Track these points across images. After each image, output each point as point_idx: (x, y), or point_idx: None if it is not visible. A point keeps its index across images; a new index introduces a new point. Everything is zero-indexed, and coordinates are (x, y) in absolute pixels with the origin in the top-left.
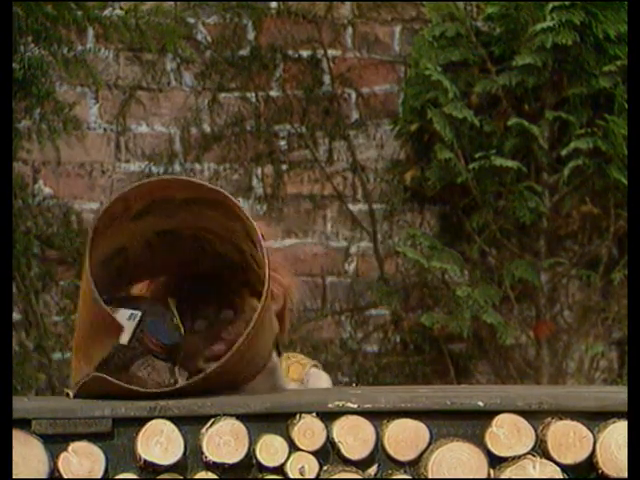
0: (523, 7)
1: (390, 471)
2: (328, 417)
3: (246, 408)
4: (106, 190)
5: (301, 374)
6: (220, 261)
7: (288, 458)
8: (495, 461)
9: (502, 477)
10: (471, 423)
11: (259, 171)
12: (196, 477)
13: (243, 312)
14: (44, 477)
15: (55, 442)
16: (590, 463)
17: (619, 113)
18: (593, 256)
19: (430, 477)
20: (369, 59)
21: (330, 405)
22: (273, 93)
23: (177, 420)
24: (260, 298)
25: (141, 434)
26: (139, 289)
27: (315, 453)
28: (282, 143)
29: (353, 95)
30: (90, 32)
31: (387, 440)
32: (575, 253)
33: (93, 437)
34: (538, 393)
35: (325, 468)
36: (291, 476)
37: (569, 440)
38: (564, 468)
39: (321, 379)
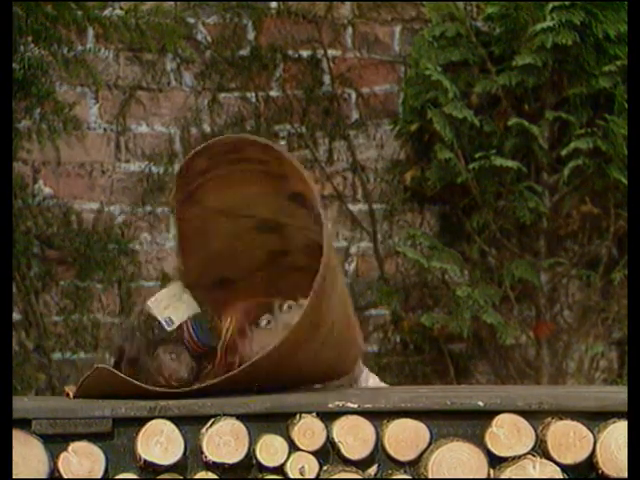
0: (523, 7)
1: (390, 471)
2: (328, 417)
3: (246, 408)
4: (106, 190)
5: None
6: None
7: (288, 458)
8: (495, 461)
9: (502, 477)
10: (471, 423)
11: None
12: (196, 477)
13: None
14: (44, 477)
15: (55, 442)
16: (590, 463)
17: (619, 113)
18: (593, 256)
19: (430, 477)
20: (369, 59)
21: (330, 405)
22: (273, 93)
23: (177, 420)
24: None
25: (141, 434)
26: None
27: (315, 453)
28: (282, 143)
29: (353, 95)
30: (90, 32)
31: (387, 440)
32: (575, 253)
33: (93, 437)
34: (538, 393)
35: (325, 468)
36: (291, 476)
37: (569, 440)
38: (564, 468)
39: (374, 380)
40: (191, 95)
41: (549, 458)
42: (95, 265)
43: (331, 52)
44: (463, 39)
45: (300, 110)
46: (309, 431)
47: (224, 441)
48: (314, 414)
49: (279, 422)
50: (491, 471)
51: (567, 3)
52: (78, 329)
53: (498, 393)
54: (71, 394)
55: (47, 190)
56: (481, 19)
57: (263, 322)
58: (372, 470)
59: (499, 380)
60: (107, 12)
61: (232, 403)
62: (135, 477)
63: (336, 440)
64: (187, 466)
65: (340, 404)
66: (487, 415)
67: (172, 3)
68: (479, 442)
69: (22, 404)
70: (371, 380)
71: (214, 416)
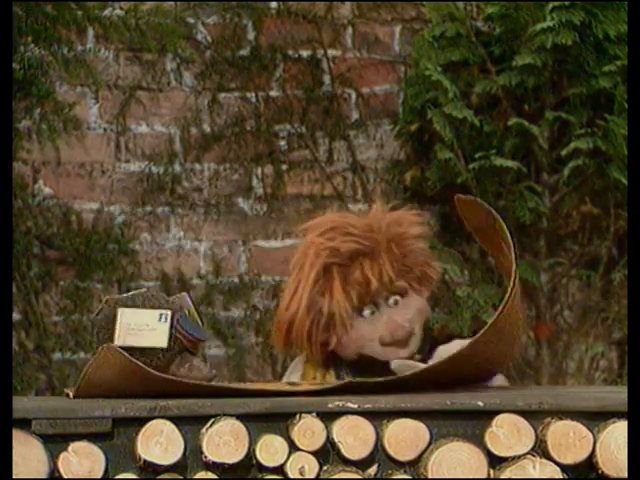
0: (523, 7)
1: (390, 471)
2: (328, 417)
3: (246, 408)
4: (106, 190)
5: None
6: None
7: (288, 458)
8: (495, 461)
9: (502, 477)
10: (471, 423)
11: (259, 171)
12: (196, 477)
13: (410, 297)
14: (44, 477)
15: (55, 442)
16: (590, 463)
17: (619, 113)
18: (593, 256)
19: (430, 477)
20: (369, 59)
21: (330, 405)
22: (273, 93)
23: (177, 420)
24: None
25: (141, 434)
26: None
27: (315, 453)
28: (282, 143)
29: (353, 95)
30: (90, 32)
31: (387, 440)
32: (575, 253)
33: (93, 437)
34: (538, 393)
35: (325, 468)
36: (291, 476)
37: (569, 440)
38: (564, 468)
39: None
40: (191, 95)
41: (549, 458)
42: (95, 265)
43: (331, 52)
44: (463, 39)
45: (300, 110)
46: (309, 431)
47: (224, 441)
48: (314, 414)
49: (279, 422)
50: (491, 471)
51: (567, 3)
52: (78, 329)
53: (498, 393)
54: (71, 394)
55: (47, 190)
56: (481, 19)
57: (366, 311)
58: (372, 470)
59: None
60: (107, 12)
61: (232, 403)
62: (135, 477)
63: (336, 440)
64: (187, 466)
65: (340, 404)
66: (487, 415)
67: (172, 3)
68: (479, 442)
69: (22, 404)
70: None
71: (214, 416)
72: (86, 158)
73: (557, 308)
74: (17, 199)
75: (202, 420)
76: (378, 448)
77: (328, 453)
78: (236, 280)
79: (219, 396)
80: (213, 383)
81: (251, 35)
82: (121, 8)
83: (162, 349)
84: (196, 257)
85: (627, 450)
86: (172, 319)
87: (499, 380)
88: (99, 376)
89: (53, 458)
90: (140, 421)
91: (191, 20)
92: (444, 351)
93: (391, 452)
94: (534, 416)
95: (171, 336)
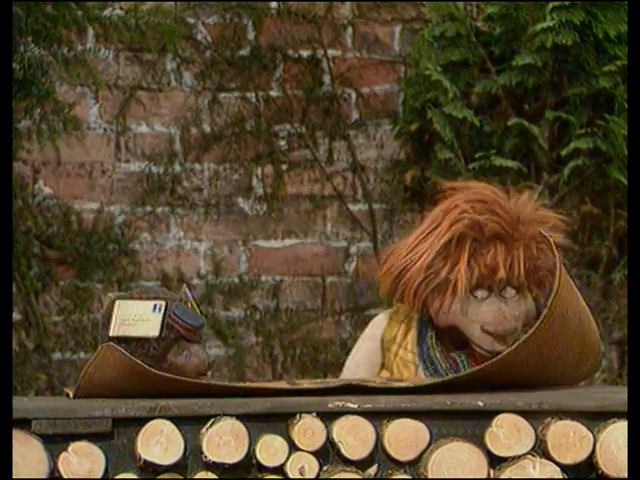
0: (523, 7)
1: (390, 471)
2: (328, 417)
3: (246, 408)
4: (106, 190)
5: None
6: None
7: (288, 458)
8: (495, 461)
9: (502, 477)
10: (471, 423)
11: (259, 171)
12: (196, 477)
13: (524, 296)
14: (44, 477)
15: (55, 442)
16: (590, 463)
17: (619, 113)
18: (593, 256)
19: (430, 477)
20: (369, 59)
21: (330, 405)
22: (273, 93)
23: (177, 420)
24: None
25: (141, 434)
26: None
27: (315, 453)
28: (282, 143)
29: (353, 95)
30: (90, 32)
31: (387, 440)
32: (575, 253)
33: (93, 437)
34: (538, 393)
35: (325, 468)
36: (291, 476)
37: (569, 440)
38: (564, 468)
39: None
40: (191, 95)
41: (549, 458)
42: (95, 265)
43: (331, 52)
44: (463, 39)
45: (300, 110)
46: (309, 431)
47: (224, 441)
48: (314, 414)
49: (279, 422)
50: (491, 471)
51: (567, 3)
52: (78, 329)
53: (498, 393)
54: (71, 394)
55: (47, 190)
56: (481, 19)
57: (479, 293)
58: (372, 470)
59: None
60: (107, 12)
61: (232, 403)
62: (135, 477)
63: (336, 440)
64: (187, 466)
65: (340, 404)
66: (487, 415)
67: (172, 3)
68: (479, 442)
69: (22, 404)
70: None
71: (214, 416)
72: (86, 158)
73: None
74: (17, 199)
75: (202, 420)
76: (378, 448)
77: (328, 453)
78: (236, 280)
79: (219, 395)
80: (213, 381)
81: (251, 35)
82: (121, 8)
83: (156, 338)
84: (196, 257)
85: (627, 450)
86: (166, 309)
87: None
88: (99, 375)
89: (53, 458)
90: (140, 421)
91: (191, 20)
92: None
93: (391, 452)
94: (534, 416)
95: (165, 325)
